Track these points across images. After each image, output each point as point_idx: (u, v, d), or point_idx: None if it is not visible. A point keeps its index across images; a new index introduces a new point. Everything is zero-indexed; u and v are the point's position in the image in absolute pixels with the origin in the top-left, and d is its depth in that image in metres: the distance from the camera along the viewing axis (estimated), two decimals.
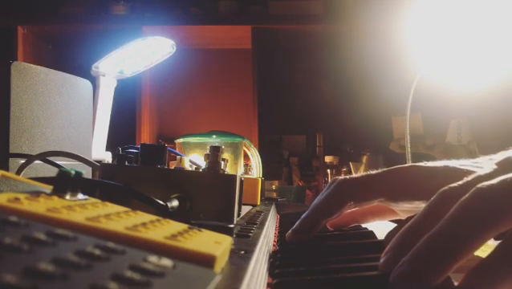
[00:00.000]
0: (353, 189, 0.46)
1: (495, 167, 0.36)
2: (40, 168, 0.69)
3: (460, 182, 0.34)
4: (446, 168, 0.44)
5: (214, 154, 0.49)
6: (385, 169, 0.46)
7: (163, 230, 0.24)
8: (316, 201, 0.47)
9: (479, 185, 0.31)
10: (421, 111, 2.21)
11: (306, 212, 0.46)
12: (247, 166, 1.46)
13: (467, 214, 0.30)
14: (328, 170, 2.39)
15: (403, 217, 0.50)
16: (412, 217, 0.42)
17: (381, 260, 0.33)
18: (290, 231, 0.46)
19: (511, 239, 0.29)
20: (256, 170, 1.38)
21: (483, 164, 0.42)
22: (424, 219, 0.33)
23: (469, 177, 0.35)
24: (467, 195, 0.31)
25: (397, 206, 0.47)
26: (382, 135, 2.35)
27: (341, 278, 0.32)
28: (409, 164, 0.47)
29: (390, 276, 0.30)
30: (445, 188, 0.34)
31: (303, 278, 0.33)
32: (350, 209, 0.49)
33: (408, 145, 1.41)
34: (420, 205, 0.44)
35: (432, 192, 0.35)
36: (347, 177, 0.47)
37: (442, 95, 1.80)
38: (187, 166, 0.56)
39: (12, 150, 0.66)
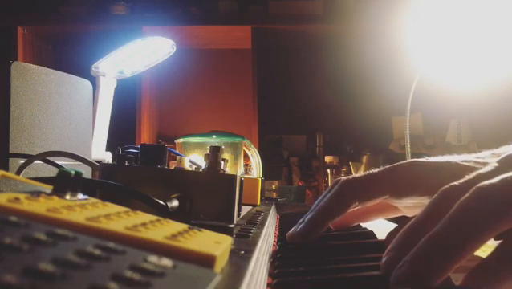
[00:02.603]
0: (357, 188, 0.46)
1: (496, 165, 0.36)
2: (40, 168, 0.69)
3: (461, 181, 0.34)
4: (448, 163, 0.44)
5: (214, 154, 0.49)
6: (387, 167, 0.46)
7: (163, 230, 0.24)
8: (320, 202, 0.47)
9: (479, 185, 0.31)
10: (421, 111, 2.21)
11: (312, 214, 0.46)
12: (247, 166, 1.46)
13: (467, 214, 0.30)
14: (328, 170, 2.39)
15: (406, 213, 0.50)
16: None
17: (383, 260, 0.33)
18: (293, 232, 0.46)
19: (511, 239, 0.29)
20: (256, 170, 1.38)
21: (486, 159, 0.42)
22: (426, 218, 0.33)
23: (471, 176, 0.35)
24: (467, 195, 0.31)
25: (400, 203, 0.47)
26: (382, 135, 2.35)
27: (341, 278, 0.32)
28: (410, 160, 0.47)
29: (391, 276, 0.30)
30: (446, 187, 0.34)
31: (303, 278, 0.33)
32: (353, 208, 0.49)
33: (408, 145, 1.41)
34: (422, 201, 0.44)
35: (434, 188, 0.35)
36: (350, 177, 0.47)
37: (442, 95, 1.80)
38: (187, 166, 0.56)
39: (12, 150, 0.66)
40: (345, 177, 0.47)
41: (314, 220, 0.46)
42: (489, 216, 0.29)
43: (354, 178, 0.47)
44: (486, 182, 0.31)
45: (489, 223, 0.29)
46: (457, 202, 0.31)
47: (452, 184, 0.34)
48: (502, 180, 0.31)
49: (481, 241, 0.29)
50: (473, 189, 0.31)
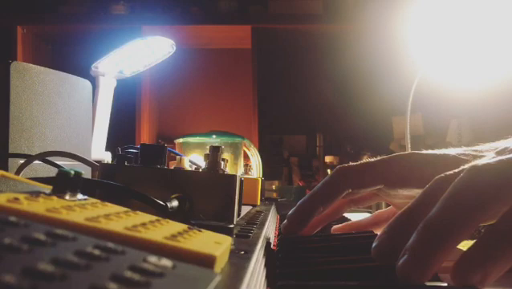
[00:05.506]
0: (351, 175, 0.45)
1: (494, 155, 0.36)
2: (40, 168, 0.69)
3: (456, 170, 0.34)
4: (446, 156, 0.44)
5: (214, 154, 0.48)
6: (384, 157, 0.46)
7: (162, 231, 0.24)
8: (314, 188, 0.47)
9: (473, 164, 0.30)
10: (422, 111, 2.21)
11: (303, 199, 0.46)
12: (247, 166, 1.46)
13: (461, 194, 0.29)
14: (328, 170, 2.38)
15: None
16: None
17: (373, 244, 0.32)
18: (285, 221, 0.46)
19: (494, 229, 0.28)
20: (256, 170, 1.37)
21: (484, 153, 0.42)
22: (419, 205, 0.33)
23: (466, 165, 0.34)
24: (461, 175, 0.30)
25: (395, 195, 0.46)
26: (382, 135, 2.35)
27: (343, 286, 0.31)
28: (409, 151, 0.47)
29: (396, 267, 0.29)
30: (441, 175, 0.34)
31: (304, 283, 0.32)
32: (348, 199, 0.49)
33: (409, 145, 1.41)
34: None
35: (429, 180, 0.34)
36: (346, 165, 0.47)
37: (443, 95, 1.79)
38: (187, 166, 0.56)
39: (11, 150, 0.66)
40: (341, 165, 0.47)
41: (304, 205, 0.46)
42: (483, 193, 0.29)
43: (349, 166, 0.46)
44: (481, 161, 0.30)
45: (483, 201, 0.29)
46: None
47: (446, 173, 0.34)
48: (498, 160, 0.30)
49: (477, 220, 0.28)
50: (467, 168, 0.30)
